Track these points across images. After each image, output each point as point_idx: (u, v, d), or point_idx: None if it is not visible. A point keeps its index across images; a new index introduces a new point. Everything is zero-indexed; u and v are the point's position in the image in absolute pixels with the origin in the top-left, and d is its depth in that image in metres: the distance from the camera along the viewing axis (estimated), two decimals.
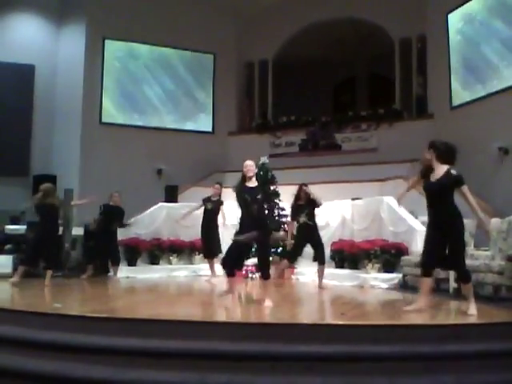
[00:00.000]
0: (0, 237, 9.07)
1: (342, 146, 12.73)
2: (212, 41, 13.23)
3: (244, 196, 5.17)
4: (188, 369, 3.60)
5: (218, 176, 12.25)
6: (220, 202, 8.25)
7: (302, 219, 6.94)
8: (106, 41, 12.57)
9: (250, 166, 5.32)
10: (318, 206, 6.95)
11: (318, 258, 6.99)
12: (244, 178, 5.31)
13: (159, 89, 13.20)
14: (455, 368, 3.62)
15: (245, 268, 8.68)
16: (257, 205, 5.17)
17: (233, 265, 5.33)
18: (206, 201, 8.26)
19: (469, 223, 6.86)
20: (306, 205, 6.96)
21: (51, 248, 7.22)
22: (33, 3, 12.28)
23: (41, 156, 11.91)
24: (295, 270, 8.73)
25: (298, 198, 7.06)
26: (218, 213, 8.25)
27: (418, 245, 7.52)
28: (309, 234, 6.94)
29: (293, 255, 7.17)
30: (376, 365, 3.60)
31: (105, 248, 8.58)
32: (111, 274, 8.72)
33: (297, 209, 7.06)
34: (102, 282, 8.02)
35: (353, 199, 9.06)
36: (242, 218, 5.41)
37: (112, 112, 12.66)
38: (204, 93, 13.68)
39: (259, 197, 5.21)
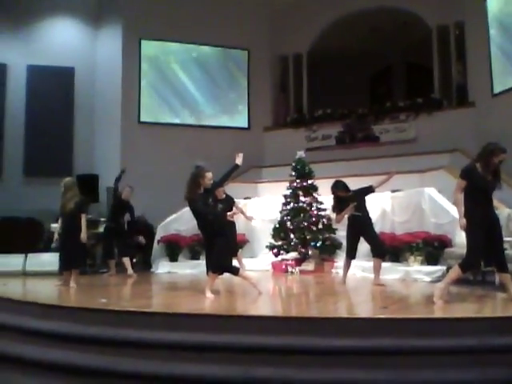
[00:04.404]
0: (46, 235, 9.36)
1: (380, 138, 12.53)
2: (245, 36, 13.23)
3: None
4: (231, 362, 3.64)
5: (255, 171, 12.27)
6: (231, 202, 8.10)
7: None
8: (142, 41, 12.75)
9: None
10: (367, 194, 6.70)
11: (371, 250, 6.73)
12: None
13: (195, 87, 13.30)
14: (504, 361, 3.54)
15: (284, 262, 8.71)
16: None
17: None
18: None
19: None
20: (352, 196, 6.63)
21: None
22: (71, 7, 12.60)
23: (83, 156, 12.24)
24: (335, 264, 8.68)
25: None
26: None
27: (461, 236, 7.34)
28: (358, 226, 6.63)
29: (347, 250, 6.85)
30: (421, 358, 3.55)
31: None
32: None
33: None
34: (143, 277, 8.15)
35: (392, 191, 8.93)
36: None
37: (150, 111, 12.84)
38: (239, 89, 13.71)
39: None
